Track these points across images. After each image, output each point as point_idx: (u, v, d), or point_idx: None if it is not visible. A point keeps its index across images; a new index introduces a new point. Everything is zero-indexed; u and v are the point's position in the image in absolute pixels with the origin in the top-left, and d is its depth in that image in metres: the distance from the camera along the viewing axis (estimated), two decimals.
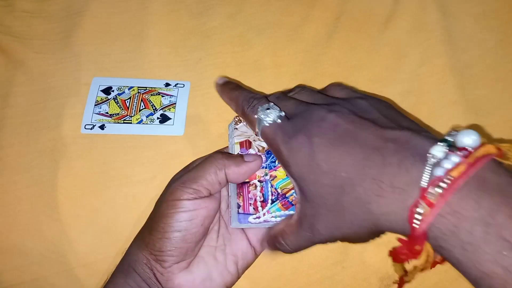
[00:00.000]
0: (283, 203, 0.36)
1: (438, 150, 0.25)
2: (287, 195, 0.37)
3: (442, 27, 0.47)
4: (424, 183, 0.25)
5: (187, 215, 0.33)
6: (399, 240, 0.27)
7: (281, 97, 0.36)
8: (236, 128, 0.40)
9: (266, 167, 0.38)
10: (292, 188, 0.37)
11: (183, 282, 0.34)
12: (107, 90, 0.45)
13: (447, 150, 0.25)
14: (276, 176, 0.37)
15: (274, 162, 0.38)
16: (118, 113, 0.44)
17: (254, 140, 0.39)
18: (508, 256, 0.22)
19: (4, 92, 0.44)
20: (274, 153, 0.33)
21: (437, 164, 0.25)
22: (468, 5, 0.49)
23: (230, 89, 0.39)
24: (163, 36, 0.47)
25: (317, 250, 0.41)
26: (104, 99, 0.44)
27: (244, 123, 0.40)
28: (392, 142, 0.27)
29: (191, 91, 0.45)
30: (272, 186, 0.37)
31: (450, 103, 0.44)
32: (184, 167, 0.39)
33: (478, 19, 0.48)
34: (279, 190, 0.37)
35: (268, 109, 0.33)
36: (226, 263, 0.36)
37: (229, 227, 0.38)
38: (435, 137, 0.27)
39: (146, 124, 0.44)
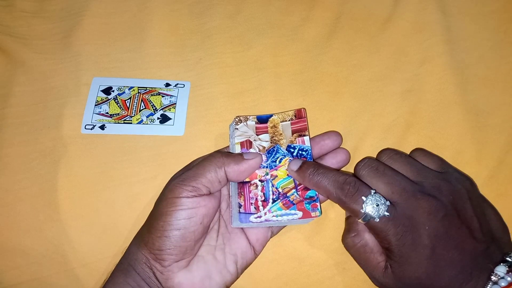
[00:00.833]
0: (284, 202, 0.36)
1: (500, 270, 0.32)
2: (288, 194, 0.37)
3: (442, 27, 0.47)
4: None
5: (186, 213, 0.33)
6: None
7: (375, 173, 0.36)
8: (237, 128, 0.40)
9: (267, 167, 0.38)
10: (293, 188, 0.37)
11: (182, 281, 0.34)
12: (107, 90, 0.45)
13: (507, 269, 0.31)
14: (277, 176, 0.37)
15: (275, 161, 0.38)
16: (118, 113, 0.44)
17: (254, 140, 0.39)
18: None
19: (4, 92, 0.44)
20: (381, 240, 0.34)
21: (496, 282, 0.31)
22: (468, 5, 0.49)
23: (310, 174, 0.36)
24: (163, 36, 0.47)
25: (318, 251, 0.41)
26: (104, 99, 0.44)
27: (245, 123, 0.40)
28: (480, 256, 0.33)
29: (191, 91, 0.45)
30: (273, 185, 0.37)
31: (450, 103, 0.44)
32: (184, 167, 0.39)
33: (478, 19, 0.48)
34: (280, 190, 0.37)
35: (373, 201, 0.34)
36: (226, 262, 0.36)
37: (229, 226, 0.38)
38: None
39: (146, 124, 0.44)
